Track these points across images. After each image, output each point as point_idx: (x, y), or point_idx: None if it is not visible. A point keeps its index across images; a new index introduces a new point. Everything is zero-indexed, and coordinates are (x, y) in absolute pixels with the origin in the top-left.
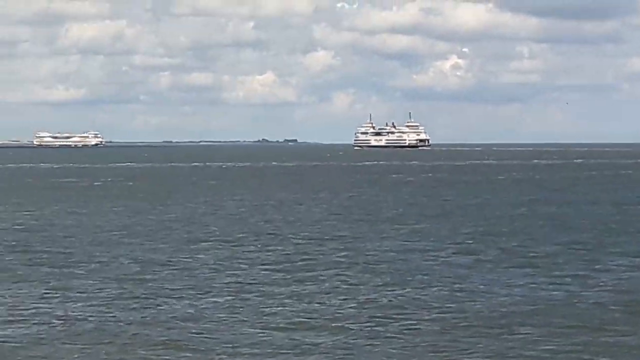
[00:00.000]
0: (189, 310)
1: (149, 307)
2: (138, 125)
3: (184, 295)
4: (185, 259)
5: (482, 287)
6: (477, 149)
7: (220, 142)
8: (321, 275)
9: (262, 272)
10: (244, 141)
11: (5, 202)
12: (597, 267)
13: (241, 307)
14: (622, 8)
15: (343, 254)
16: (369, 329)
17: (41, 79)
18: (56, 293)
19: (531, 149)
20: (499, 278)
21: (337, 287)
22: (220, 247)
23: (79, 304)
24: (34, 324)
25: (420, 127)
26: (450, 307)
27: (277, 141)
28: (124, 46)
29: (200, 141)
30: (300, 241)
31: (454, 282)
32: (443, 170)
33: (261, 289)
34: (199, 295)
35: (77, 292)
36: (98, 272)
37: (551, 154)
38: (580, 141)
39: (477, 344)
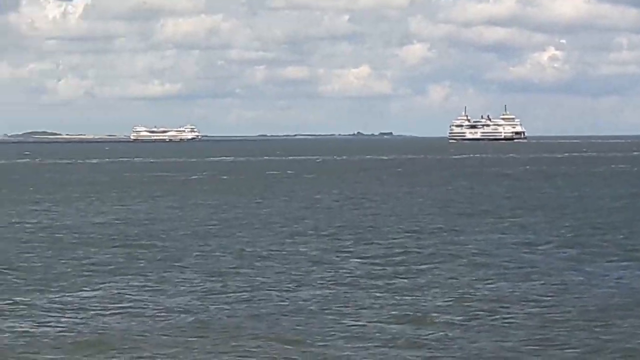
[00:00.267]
0: (288, 303)
1: (249, 300)
2: (233, 120)
3: (282, 288)
4: (282, 252)
5: (580, 280)
6: (574, 141)
7: (315, 135)
8: (418, 269)
9: (359, 265)
10: (339, 134)
11: (105, 196)
12: None
13: (337, 300)
14: None
15: (441, 247)
16: (465, 322)
17: (137, 74)
18: (156, 286)
19: (630, 140)
20: (598, 271)
21: (433, 281)
22: (317, 240)
23: (179, 297)
24: (134, 316)
25: (516, 120)
26: (547, 300)
27: (372, 134)
28: (220, 40)
29: (296, 135)
30: (397, 234)
31: (553, 275)
32: (541, 163)
33: (358, 282)
34: (297, 288)
35: (176, 285)
36: (196, 265)
37: None
38: None
39: (573, 338)
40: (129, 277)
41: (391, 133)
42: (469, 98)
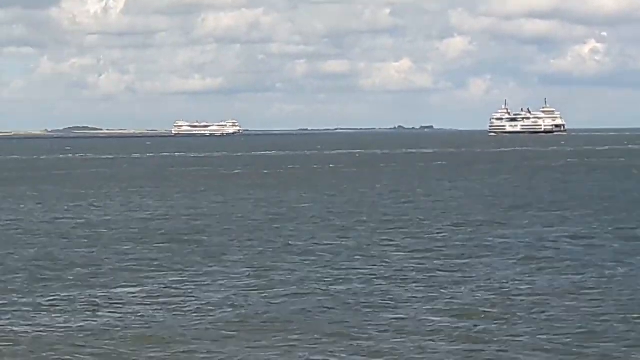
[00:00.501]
0: (331, 297)
1: (293, 294)
2: (274, 114)
3: (325, 281)
4: (326, 246)
5: (623, 273)
6: (614, 134)
7: (356, 129)
8: (461, 262)
9: (402, 258)
10: (380, 128)
11: (150, 191)
12: None
13: (380, 294)
14: None
15: (484, 240)
16: (506, 315)
17: (178, 68)
18: (200, 280)
19: None
20: None
21: (476, 274)
22: (361, 233)
23: (223, 292)
24: (179, 310)
25: (556, 113)
26: (590, 293)
27: (413, 128)
28: (261, 35)
29: (336, 129)
30: (441, 228)
31: (596, 268)
32: (581, 155)
33: (401, 275)
34: (341, 282)
35: (221, 280)
36: (241, 259)
37: None
38: None
39: (614, 332)
40: (174, 272)
41: (432, 127)
42: (510, 91)
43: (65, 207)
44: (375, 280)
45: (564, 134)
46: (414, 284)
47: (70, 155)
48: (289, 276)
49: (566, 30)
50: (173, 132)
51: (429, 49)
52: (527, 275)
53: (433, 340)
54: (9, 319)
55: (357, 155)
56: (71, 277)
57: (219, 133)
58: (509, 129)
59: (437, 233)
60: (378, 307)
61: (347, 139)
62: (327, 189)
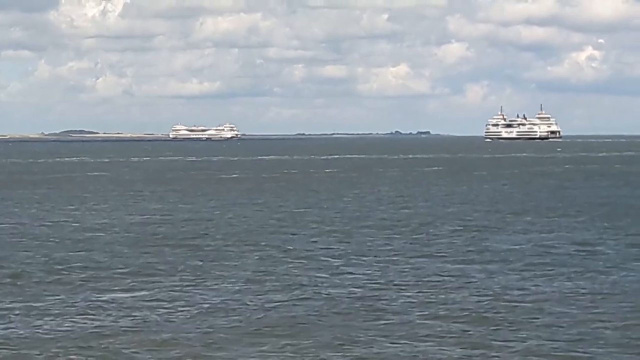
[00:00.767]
0: (329, 304)
1: (295, 300)
2: (271, 118)
3: (321, 286)
4: (323, 251)
5: (621, 279)
6: (609, 140)
7: (353, 134)
8: (461, 267)
9: (396, 263)
10: (377, 133)
11: (147, 195)
12: None
13: (375, 300)
14: None
15: (485, 245)
16: (503, 321)
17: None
18: (208, 285)
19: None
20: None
21: (477, 280)
22: (361, 238)
23: (223, 296)
24: (185, 316)
25: (551, 119)
26: (586, 299)
27: (410, 133)
28: (259, 39)
29: (333, 133)
30: (440, 234)
31: (597, 274)
32: (574, 162)
33: (401, 281)
34: (337, 288)
35: (222, 284)
36: (244, 265)
37: None
38: None
39: (607, 338)
40: (171, 276)
41: (429, 132)
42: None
43: (62, 211)
44: (372, 285)
45: (559, 140)
46: (411, 290)
47: (67, 158)
48: (286, 281)
49: (563, 37)
50: (171, 136)
51: (426, 54)
52: (524, 280)
53: (430, 346)
54: (3, 323)
55: (355, 160)
56: (66, 280)
57: (216, 137)
58: (504, 135)
59: (435, 238)
60: (375, 312)
61: (345, 143)
62: (324, 194)
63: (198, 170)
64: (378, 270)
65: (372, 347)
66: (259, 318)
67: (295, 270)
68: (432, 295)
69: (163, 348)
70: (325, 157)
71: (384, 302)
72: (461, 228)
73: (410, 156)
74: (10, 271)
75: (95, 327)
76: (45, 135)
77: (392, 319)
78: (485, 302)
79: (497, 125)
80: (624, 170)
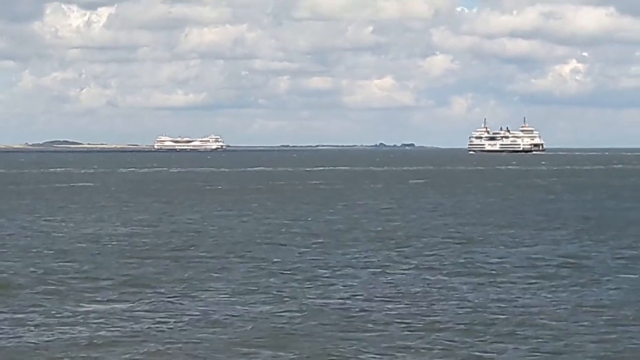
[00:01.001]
0: (325, 315)
1: (280, 313)
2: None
3: (311, 300)
4: (309, 263)
5: (610, 291)
6: (592, 153)
7: (338, 146)
8: (447, 278)
9: (381, 275)
10: (362, 145)
11: (132, 206)
12: None
13: (357, 313)
14: None
15: (470, 258)
16: (485, 333)
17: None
18: (188, 297)
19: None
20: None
21: (460, 293)
22: (344, 251)
23: (212, 308)
24: (168, 328)
25: (534, 132)
26: (575, 311)
27: (395, 145)
28: (244, 50)
29: (318, 145)
30: (427, 246)
31: (578, 286)
32: (566, 174)
33: (380, 292)
34: (319, 301)
35: (208, 296)
36: (227, 277)
37: None
38: None
39: (593, 350)
40: (155, 287)
41: (413, 144)
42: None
43: (47, 221)
44: (357, 297)
45: (543, 153)
46: (396, 302)
47: (51, 169)
48: (272, 293)
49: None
50: (155, 147)
51: (411, 66)
52: (507, 293)
53: (413, 358)
54: None
55: (341, 172)
56: (51, 291)
57: (202, 148)
58: (488, 147)
59: (420, 251)
60: (360, 324)
61: (331, 155)
62: (310, 206)
63: (183, 181)
64: (363, 282)
65: (357, 358)
66: (244, 329)
67: (281, 282)
68: (416, 307)
69: (149, 359)
70: (310, 169)
71: (369, 314)
72: (446, 240)
73: (394, 168)
74: None
75: (80, 338)
76: (29, 145)
77: (377, 331)
78: (469, 315)
79: (480, 137)
80: (608, 183)
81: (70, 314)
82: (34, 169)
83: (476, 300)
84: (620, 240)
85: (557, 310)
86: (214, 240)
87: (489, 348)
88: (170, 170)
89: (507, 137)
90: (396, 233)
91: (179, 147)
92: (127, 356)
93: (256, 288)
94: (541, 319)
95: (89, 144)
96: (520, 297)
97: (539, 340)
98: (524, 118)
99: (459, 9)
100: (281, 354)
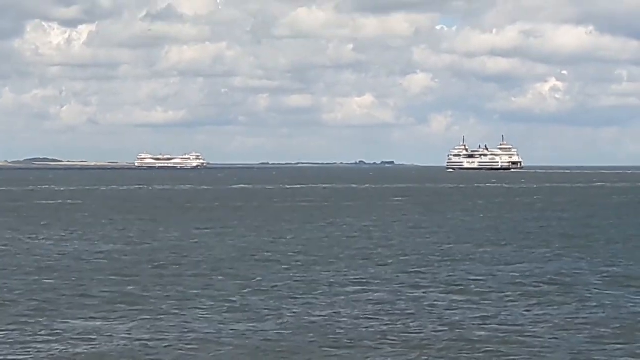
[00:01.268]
0: (304, 333)
1: (257, 331)
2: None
3: (289, 318)
4: (289, 282)
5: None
6: (568, 171)
7: (318, 163)
8: (426, 295)
9: (361, 292)
10: (342, 163)
11: (113, 224)
12: None
13: (336, 329)
14: None
15: (444, 276)
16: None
17: (141, 101)
18: (165, 316)
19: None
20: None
21: (437, 310)
22: (323, 268)
23: (190, 327)
24: (144, 345)
25: (512, 150)
26: (552, 330)
27: (374, 163)
28: (224, 68)
29: (297, 163)
30: (405, 264)
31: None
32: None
33: (361, 310)
34: (306, 318)
35: (185, 314)
36: (206, 295)
37: None
38: None
39: None
40: (132, 306)
41: (393, 162)
42: (471, 128)
43: (28, 238)
44: (338, 315)
45: (521, 170)
46: (374, 319)
47: (31, 186)
48: (249, 311)
49: (527, 68)
50: (136, 164)
51: (391, 84)
52: (483, 311)
53: None
54: None
55: (321, 189)
56: (27, 309)
57: (182, 166)
58: (466, 165)
59: (400, 269)
60: (339, 341)
61: (310, 173)
62: (292, 223)
63: (165, 199)
64: (345, 300)
65: None
66: (226, 347)
67: (263, 300)
68: (396, 325)
69: None
70: (290, 186)
71: (350, 331)
72: (427, 258)
73: (374, 186)
74: None
75: (60, 357)
76: (9, 163)
77: (358, 348)
78: (449, 333)
79: (459, 155)
80: (587, 201)
81: (50, 331)
82: (14, 186)
83: (456, 318)
84: (601, 258)
85: (537, 329)
86: (197, 258)
87: None
88: (151, 188)
89: (485, 155)
90: (377, 251)
91: (160, 165)
92: None
93: (238, 305)
94: (521, 336)
95: (68, 161)
96: (500, 315)
97: (519, 357)
98: (502, 136)
99: (439, 27)
100: None
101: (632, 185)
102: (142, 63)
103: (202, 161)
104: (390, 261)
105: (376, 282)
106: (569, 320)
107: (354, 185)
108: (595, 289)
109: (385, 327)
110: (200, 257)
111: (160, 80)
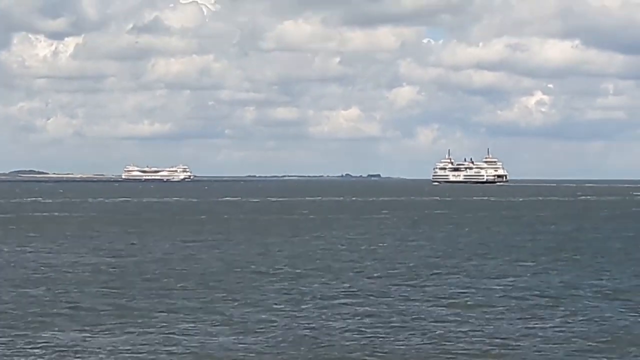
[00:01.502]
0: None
1: (242, 343)
2: (222, 160)
3: (274, 330)
4: (275, 295)
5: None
6: (553, 185)
7: (304, 176)
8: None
9: (348, 305)
10: (328, 176)
11: (100, 236)
12: None
13: (320, 342)
14: None
15: (437, 287)
16: None
17: (127, 113)
18: (152, 328)
19: (617, 185)
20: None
21: (424, 322)
22: (308, 280)
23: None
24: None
25: (498, 163)
26: (537, 343)
27: (361, 176)
28: (211, 81)
29: (284, 176)
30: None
31: (551, 318)
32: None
33: (346, 322)
34: (290, 331)
35: (172, 327)
36: (193, 308)
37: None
38: None
39: None
40: (119, 318)
41: (379, 175)
42: (457, 141)
43: (14, 251)
44: (324, 327)
45: (506, 184)
46: (361, 331)
47: (17, 199)
48: (241, 323)
49: (513, 82)
50: (123, 176)
51: (377, 97)
52: (468, 324)
53: None
54: None
55: (308, 202)
56: (15, 318)
57: (169, 178)
58: (452, 178)
59: (389, 280)
60: (326, 353)
61: (298, 186)
62: (279, 236)
63: (152, 211)
64: (331, 312)
65: None
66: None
67: (249, 312)
68: (382, 337)
69: None
70: (276, 199)
71: (336, 342)
72: (414, 271)
73: (360, 199)
74: None
75: None
76: None
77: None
78: (435, 345)
79: (444, 168)
80: (575, 214)
81: (37, 344)
82: (0, 199)
83: (441, 331)
84: (588, 272)
85: (524, 342)
86: (184, 270)
87: None
88: (137, 201)
89: (470, 168)
90: (364, 264)
91: (147, 177)
92: None
93: (226, 318)
94: (508, 350)
95: (54, 173)
96: (487, 328)
97: None
98: (488, 149)
99: (425, 40)
100: None
101: (618, 199)
102: (129, 75)
103: (189, 174)
104: (376, 274)
105: (363, 294)
106: (556, 333)
107: (340, 198)
108: (582, 302)
109: (371, 340)
110: (187, 269)
111: (146, 92)
